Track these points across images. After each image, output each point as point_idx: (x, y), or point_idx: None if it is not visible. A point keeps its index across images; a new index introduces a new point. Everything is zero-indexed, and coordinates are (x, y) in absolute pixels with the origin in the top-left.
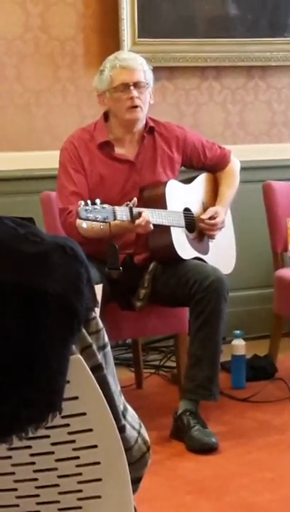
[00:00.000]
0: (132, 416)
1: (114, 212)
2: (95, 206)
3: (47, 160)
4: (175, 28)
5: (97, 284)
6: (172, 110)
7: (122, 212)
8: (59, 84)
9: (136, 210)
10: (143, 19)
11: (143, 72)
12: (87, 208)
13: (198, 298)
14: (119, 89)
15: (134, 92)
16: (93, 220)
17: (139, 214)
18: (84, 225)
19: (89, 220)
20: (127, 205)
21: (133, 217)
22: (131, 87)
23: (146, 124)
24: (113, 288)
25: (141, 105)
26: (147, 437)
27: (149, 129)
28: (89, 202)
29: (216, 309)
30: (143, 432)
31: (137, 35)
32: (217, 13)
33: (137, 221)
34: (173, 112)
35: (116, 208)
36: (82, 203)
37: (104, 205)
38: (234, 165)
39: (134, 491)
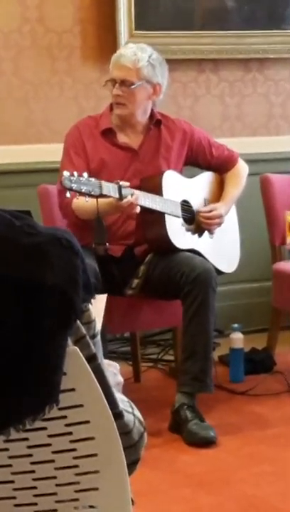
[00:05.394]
0: (122, 400)
1: (100, 186)
2: (81, 178)
3: (45, 153)
4: (172, 20)
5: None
6: (169, 103)
7: (109, 188)
8: (56, 77)
9: (127, 190)
10: (141, 11)
11: (138, 69)
12: (72, 177)
13: (187, 290)
14: (108, 84)
15: (116, 90)
16: (77, 191)
17: (130, 194)
18: (68, 194)
19: (73, 190)
20: (117, 182)
21: (122, 195)
22: (117, 85)
23: (153, 117)
24: (108, 279)
25: (124, 102)
26: (141, 417)
27: (156, 122)
28: (75, 173)
29: (205, 301)
30: (137, 412)
31: (134, 27)
32: (214, 5)
33: (125, 200)
34: (170, 105)
35: (104, 182)
36: (68, 173)
37: (91, 179)
38: (242, 168)
39: (131, 472)
